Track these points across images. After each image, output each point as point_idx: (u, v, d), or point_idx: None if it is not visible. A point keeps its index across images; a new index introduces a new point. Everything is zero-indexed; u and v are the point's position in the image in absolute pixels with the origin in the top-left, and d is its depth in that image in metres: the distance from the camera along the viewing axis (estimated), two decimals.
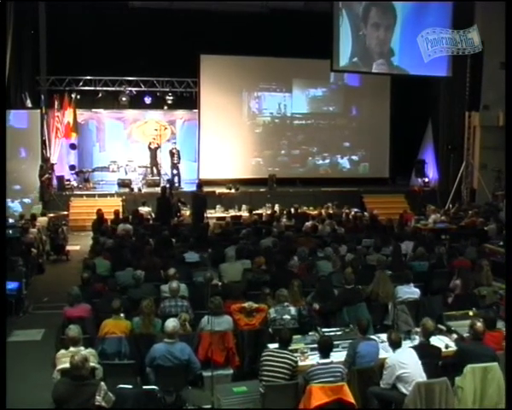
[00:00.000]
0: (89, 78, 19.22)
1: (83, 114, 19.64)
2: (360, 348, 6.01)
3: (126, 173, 19.30)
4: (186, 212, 15.61)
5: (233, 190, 17.98)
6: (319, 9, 18.51)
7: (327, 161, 20.96)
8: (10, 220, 12.03)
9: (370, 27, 16.72)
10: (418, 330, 6.82)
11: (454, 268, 9.74)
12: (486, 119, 18.48)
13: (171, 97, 19.89)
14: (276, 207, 16.62)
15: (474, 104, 17.67)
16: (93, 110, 20.14)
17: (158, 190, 18.44)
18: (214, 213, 15.84)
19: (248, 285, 8.75)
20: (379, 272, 8.34)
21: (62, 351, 5.87)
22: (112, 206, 16.27)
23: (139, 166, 19.51)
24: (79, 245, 14.60)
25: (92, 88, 19.36)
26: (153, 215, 15.22)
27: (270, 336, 6.93)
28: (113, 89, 19.59)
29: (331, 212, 15.14)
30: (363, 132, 20.80)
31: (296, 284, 7.69)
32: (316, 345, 6.36)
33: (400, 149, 20.35)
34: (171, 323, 6.02)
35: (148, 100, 19.99)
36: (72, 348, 5.84)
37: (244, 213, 15.97)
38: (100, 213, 13.57)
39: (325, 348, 5.67)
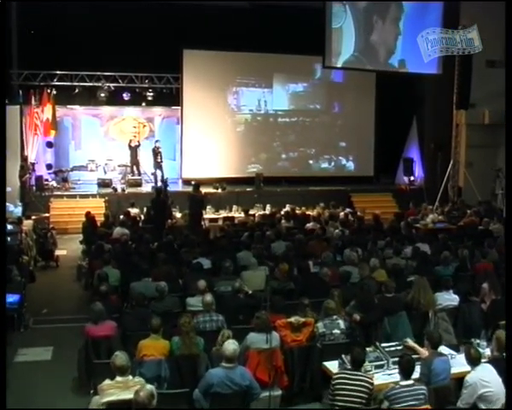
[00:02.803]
0: (65, 72, 18.19)
1: (57, 111, 18.54)
2: (435, 366, 5.56)
3: (105, 173, 18.44)
4: (176, 213, 14.87)
5: (220, 190, 17.32)
6: (302, 5, 18.10)
7: (312, 159, 20.49)
8: (9, 227, 11.06)
9: (378, 20, 16.34)
10: (478, 341, 6.46)
11: (477, 272, 9.52)
12: (472, 117, 18.42)
13: (151, 93, 19.07)
14: (268, 208, 16.09)
15: (463, 103, 17.51)
16: (68, 106, 19.13)
17: (141, 190, 17.87)
18: (205, 215, 15.14)
19: (273, 294, 8.21)
20: (418, 278, 7.90)
21: (107, 381, 5.17)
22: (94, 207, 15.50)
23: (119, 166, 18.64)
24: (66, 250, 13.75)
25: (68, 83, 18.32)
26: (142, 217, 14.48)
27: (320, 352, 6.43)
28: (90, 84, 18.63)
29: (327, 212, 14.68)
30: (347, 130, 20.43)
31: (336, 293, 7.21)
32: (379, 362, 5.94)
33: (384, 147, 20.11)
34: (231, 345, 5.41)
35: (126, 96, 19.08)
36: (118, 378, 5.17)
37: (236, 214, 15.40)
38: (91, 216, 12.77)
39: (408, 370, 5.18)
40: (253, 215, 15.05)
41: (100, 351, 6.57)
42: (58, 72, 18.09)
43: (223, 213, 15.49)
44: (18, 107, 16.23)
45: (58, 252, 13.11)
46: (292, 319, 6.56)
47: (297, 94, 20.38)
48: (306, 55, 19.03)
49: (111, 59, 17.90)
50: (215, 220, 14.64)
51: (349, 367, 5.56)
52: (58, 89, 18.22)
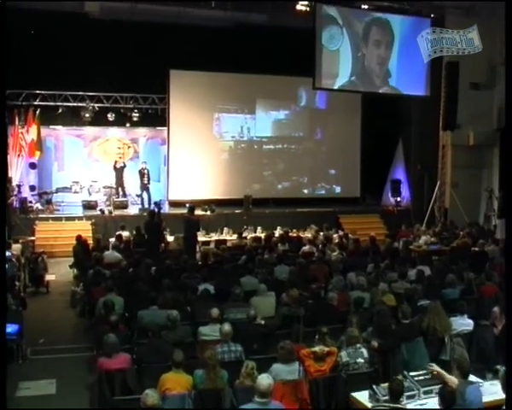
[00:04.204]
0: (48, 92, 17.82)
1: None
2: (468, 395, 5.41)
3: (90, 194, 18.06)
4: (167, 236, 14.54)
5: (209, 212, 17.05)
6: (289, 25, 18.15)
7: (307, 188, 20.48)
8: (7, 254, 10.57)
9: (371, 46, 16.49)
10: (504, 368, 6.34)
11: (483, 294, 9.49)
12: (457, 138, 18.57)
13: (137, 114, 18.81)
14: (259, 230, 15.90)
15: (450, 124, 17.70)
16: (51, 127, 18.71)
17: (128, 212, 17.49)
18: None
19: (283, 321, 8.03)
20: (432, 303, 7.78)
21: None
22: (81, 230, 15.10)
23: (103, 187, 18.27)
24: (54, 274, 13.29)
25: (52, 103, 17.97)
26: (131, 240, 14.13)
27: (344, 382, 6.24)
28: (74, 104, 18.31)
29: (322, 235, 14.55)
30: (334, 153, 20.46)
31: (355, 320, 7.05)
32: (410, 392, 5.76)
33: (370, 168, 20.20)
34: (266, 380, 5.18)
35: (111, 117, 18.77)
36: None
37: (228, 237, 15.17)
38: (83, 240, 12.40)
39: (450, 401, 5.02)
40: (245, 238, 14.80)
41: (114, 385, 6.27)
42: (41, 91, 17.74)
43: (214, 236, 15.21)
44: None
45: (47, 277, 12.66)
46: (316, 349, 6.36)
47: (280, 121, 20.26)
48: (292, 76, 19.15)
49: (95, 79, 17.66)
50: (207, 243, 14.37)
51: (384, 399, 5.39)
52: (40, 109, 17.82)
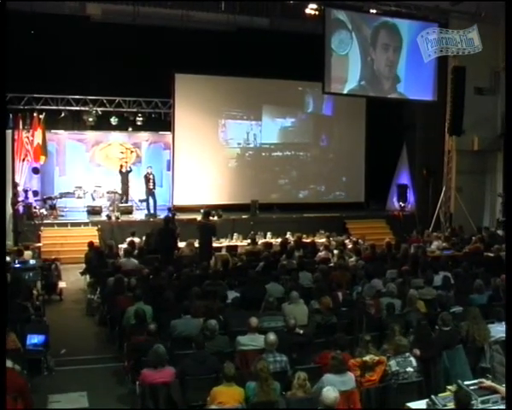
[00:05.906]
0: (50, 96, 17.52)
1: None
2: None
3: (94, 200, 17.77)
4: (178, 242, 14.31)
5: (216, 218, 16.84)
6: (295, 30, 18.10)
7: (324, 196, 20.42)
8: (31, 262, 10.26)
9: (380, 49, 16.47)
10: None
11: None
12: (461, 143, 18.59)
13: (141, 118, 18.58)
14: (268, 236, 15.75)
15: (456, 129, 17.72)
16: (52, 131, 18.36)
17: (134, 217, 17.23)
18: None
19: (317, 330, 7.89)
20: (471, 311, 7.67)
21: None
22: (87, 236, 14.88)
23: (107, 192, 17.98)
24: (64, 281, 12.98)
25: (54, 107, 17.67)
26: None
27: (395, 392, 6.11)
28: (77, 108, 18.03)
29: (334, 240, 14.45)
30: (340, 157, 20.37)
31: (397, 328, 6.91)
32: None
33: (375, 173, 20.14)
34: (332, 393, 5.04)
35: (114, 121, 18.51)
36: None
37: (238, 243, 14.99)
38: (95, 247, 12.14)
39: None
40: (257, 243, 14.61)
41: (158, 399, 6.06)
42: (43, 95, 17.42)
43: (224, 242, 15.01)
44: (10, 131, 15.38)
45: (60, 284, 12.38)
46: (367, 358, 6.23)
47: (286, 128, 20.09)
48: (298, 81, 19.16)
49: (98, 83, 17.40)
50: (219, 249, 14.16)
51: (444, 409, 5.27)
52: (42, 113, 17.49)
